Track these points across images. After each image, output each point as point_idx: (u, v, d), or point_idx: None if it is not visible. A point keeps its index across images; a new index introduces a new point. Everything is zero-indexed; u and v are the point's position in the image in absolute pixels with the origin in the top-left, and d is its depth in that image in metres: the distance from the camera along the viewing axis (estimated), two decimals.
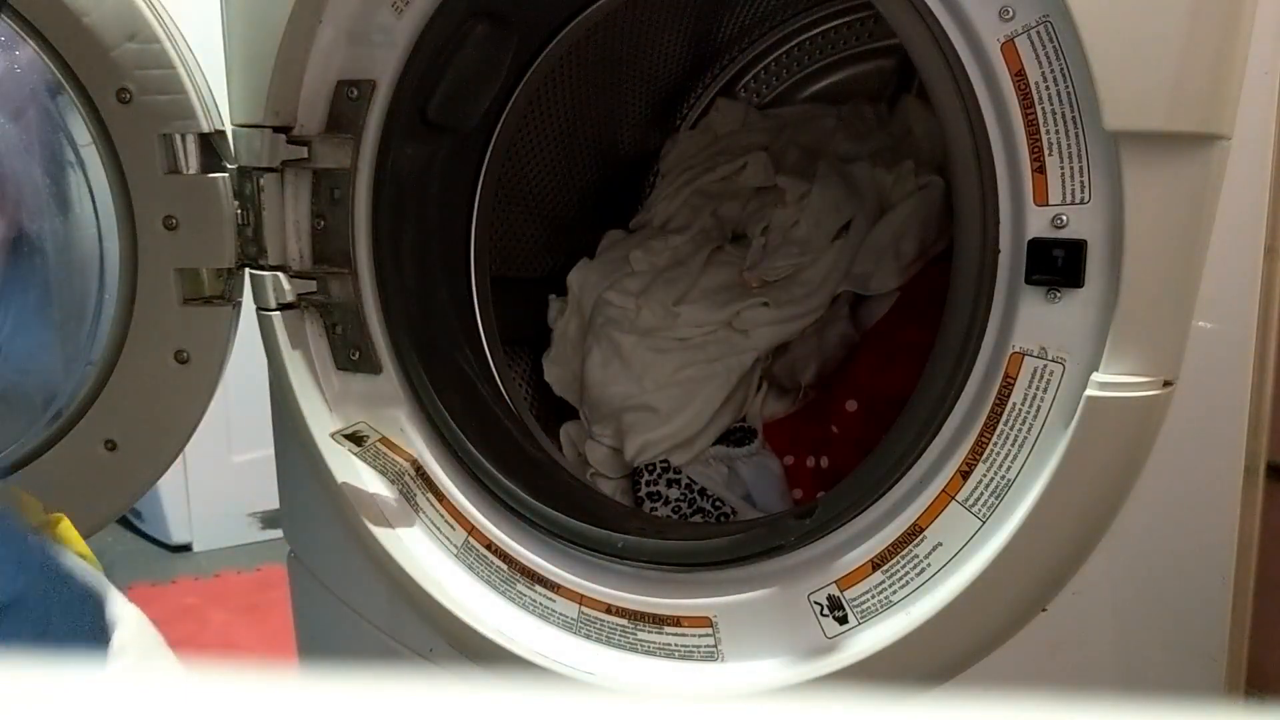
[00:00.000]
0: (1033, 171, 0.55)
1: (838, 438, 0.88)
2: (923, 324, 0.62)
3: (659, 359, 0.93)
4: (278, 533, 0.97)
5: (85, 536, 0.85)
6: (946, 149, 0.57)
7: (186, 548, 2.01)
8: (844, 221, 0.93)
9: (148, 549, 2.03)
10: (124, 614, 0.61)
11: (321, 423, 0.79)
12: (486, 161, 0.91)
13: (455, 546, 0.77)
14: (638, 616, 0.70)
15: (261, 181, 0.76)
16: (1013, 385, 0.57)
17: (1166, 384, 0.54)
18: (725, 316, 0.93)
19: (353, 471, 0.78)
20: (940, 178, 0.91)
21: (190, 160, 0.77)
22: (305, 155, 0.76)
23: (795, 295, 0.92)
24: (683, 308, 0.94)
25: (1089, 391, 0.53)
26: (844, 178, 0.96)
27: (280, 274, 0.78)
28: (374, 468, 0.78)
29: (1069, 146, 0.53)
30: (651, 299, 0.96)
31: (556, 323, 1.03)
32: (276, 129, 0.76)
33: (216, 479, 1.96)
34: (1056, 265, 0.54)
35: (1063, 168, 0.54)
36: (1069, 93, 0.53)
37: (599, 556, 0.72)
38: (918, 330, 0.76)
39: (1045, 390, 0.56)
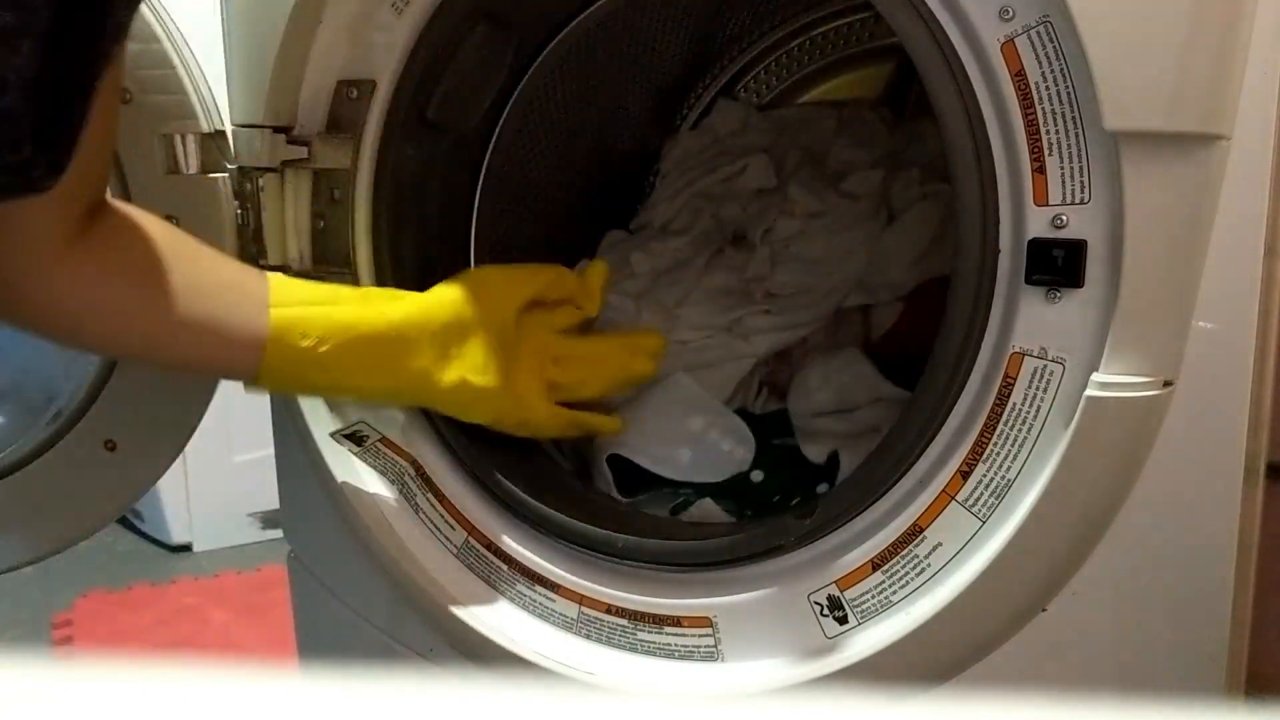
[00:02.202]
0: (1033, 171, 0.55)
1: None
2: (929, 331, 0.62)
3: None
4: (278, 533, 0.97)
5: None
6: (946, 150, 0.57)
7: (186, 548, 2.01)
8: (856, 250, 0.93)
9: (148, 549, 2.03)
10: None
11: (321, 423, 0.79)
12: (486, 161, 0.91)
13: (455, 546, 0.77)
14: (638, 616, 0.70)
15: (261, 181, 0.76)
16: (1013, 385, 0.57)
17: (1166, 384, 0.54)
18: (726, 322, 0.93)
19: (353, 471, 0.78)
20: (945, 185, 0.91)
21: (190, 160, 0.77)
22: (305, 155, 0.76)
23: (798, 304, 0.92)
24: (682, 310, 0.94)
25: (1089, 391, 0.53)
26: (858, 200, 0.95)
27: (280, 274, 0.78)
28: (374, 468, 0.78)
29: (1069, 146, 0.53)
30: (651, 301, 0.96)
31: None
32: (276, 129, 0.76)
33: (216, 479, 1.96)
34: (1056, 265, 0.55)
35: (1063, 168, 0.54)
36: (1069, 93, 0.53)
37: (599, 556, 0.72)
38: (924, 337, 0.76)
39: (1045, 390, 0.56)
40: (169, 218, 0.78)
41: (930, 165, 0.95)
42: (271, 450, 0.88)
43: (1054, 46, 0.53)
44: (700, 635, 0.68)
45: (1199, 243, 0.52)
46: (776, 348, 0.92)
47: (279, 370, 0.65)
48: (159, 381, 0.81)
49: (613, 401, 0.89)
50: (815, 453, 0.83)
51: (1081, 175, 0.53)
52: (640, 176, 1.15)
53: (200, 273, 0.62)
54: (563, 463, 0.90)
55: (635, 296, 0.96)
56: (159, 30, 0.74)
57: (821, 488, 0.82)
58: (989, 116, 0.55)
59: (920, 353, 0.62)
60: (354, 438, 0.77)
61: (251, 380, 0.65)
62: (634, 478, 0.87)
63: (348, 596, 0.85)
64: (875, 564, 0.62)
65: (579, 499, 0.81)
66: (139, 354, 0.65)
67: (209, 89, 0.77)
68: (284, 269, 0.78)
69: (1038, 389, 0.56)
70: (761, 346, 0.92)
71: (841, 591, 0.63)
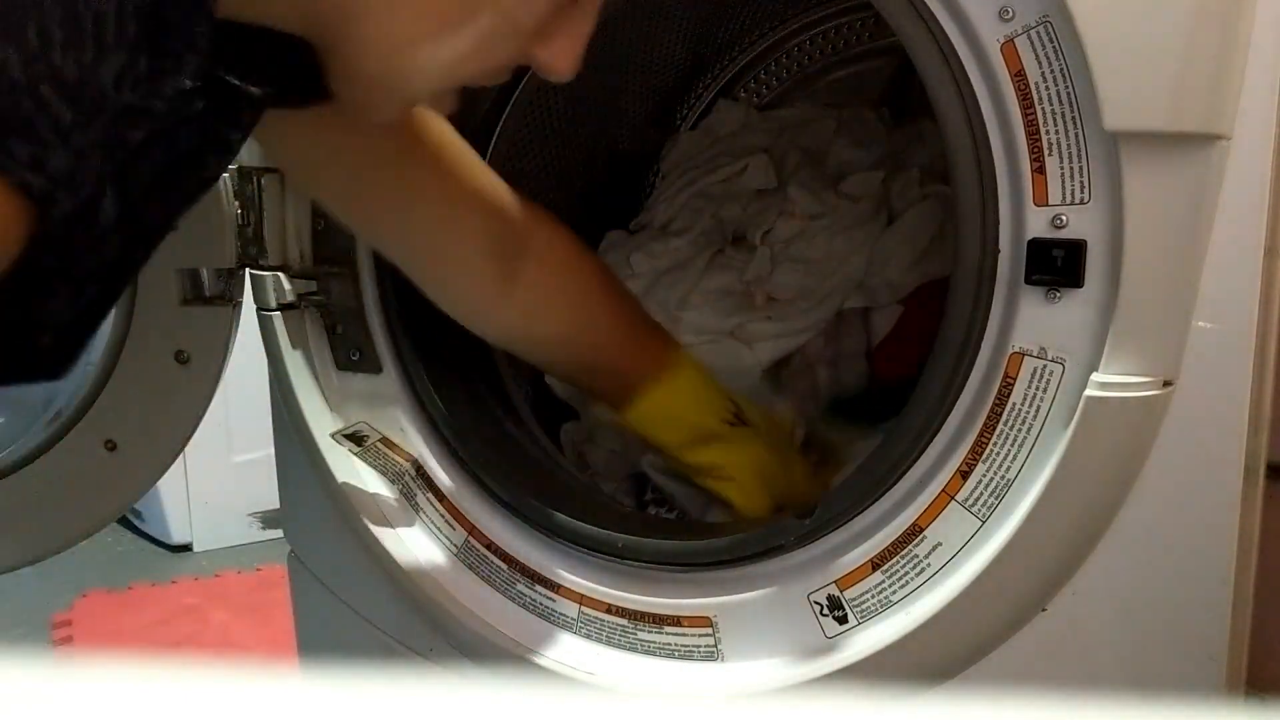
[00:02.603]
0: (1032, 172, 0.55)
1: None
2: (929, 332, 0.62)
3: None
4: (278, 533, 0.97)
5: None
6: (946, 150, 0.57)
7: (186, 548, 2.01)
8: (856, 251, 0.93)
9: (148, 549, 2.03)
10: None
11: (321, 423, 0.79)
12: (486, 162, 0.90)
13: (455, 546, 0.77)
14: (638, 616, 0.70)
15: (262, 181, 0.76)
16: (1012, 385, 0.57)
17: (1166, 384, 0.54)
18: (728, 326, 0.93)
19: (353, 471, 0.78)
20: (945, 186, 0.91)
21: None
22: None
23: (799, 308, 0.92)
24: (684, 313, 0.94)
25: (1089, 391, 0.53)
26: (857, 201, 0.95)
27: (280, 274, 0.78)
28: (374, 468, 0.78)
29: (1069, 146, 0.53)
30: (652, 302, 0.96)
31: None
32: None
33: (216, 479, 1.96)
34: (1056, 265, 0.55)
35: (1062, 168, 0.54)
36: (1069, 93, 0.53)
37: (599, 556, 0.72)
38: (923, 339, 0.76)
39: (1045, 390, 0.56)
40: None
41: (930, 166, 0.95)
42: (271, 450, 0.88)
43: (1054, 46, 0.53)
44: (700, 635, 0.68)
45: (1198, 243, 0.52)
46: (779, 355, 0.93)
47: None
48: (159, 381, 0.81)
49: None
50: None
51: (1081, 175, 0.53)
52: (640, 176, 1.15)
53: (609, 323, 0.76)
54: (563, 461, 0.90)
55: (636, 297, 0.96)
56: None
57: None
58: (989, 116, 0.55)
59: (920, 355, 0.62)
60: (354, 438, 0.77)
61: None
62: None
63: (348, 596, 0.85)
64: (875, 564, 0.62)
65: (579, 499, 0.81)
66: (553, 374, 0.87)
67: None
68: (284, 269, 0.78)
69: (1037, 389, 0.56)
70: (765, 354, 0.92)
71: (841, 591, 0.63)
